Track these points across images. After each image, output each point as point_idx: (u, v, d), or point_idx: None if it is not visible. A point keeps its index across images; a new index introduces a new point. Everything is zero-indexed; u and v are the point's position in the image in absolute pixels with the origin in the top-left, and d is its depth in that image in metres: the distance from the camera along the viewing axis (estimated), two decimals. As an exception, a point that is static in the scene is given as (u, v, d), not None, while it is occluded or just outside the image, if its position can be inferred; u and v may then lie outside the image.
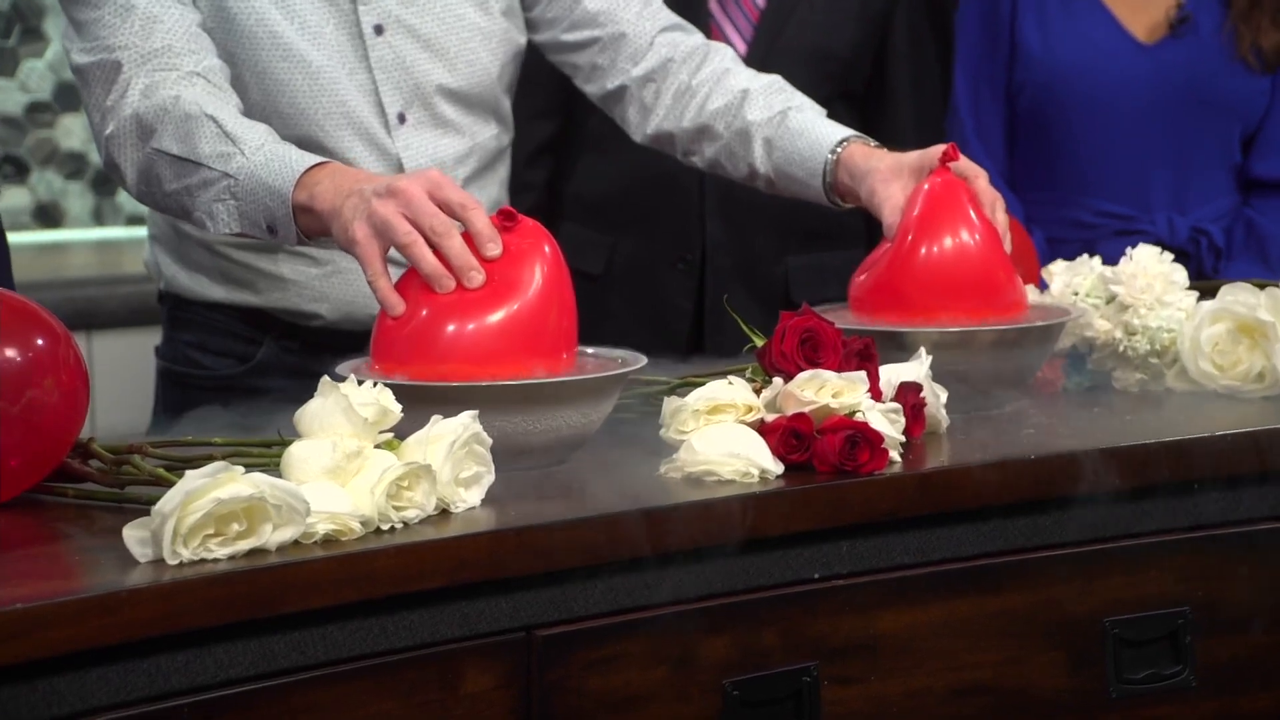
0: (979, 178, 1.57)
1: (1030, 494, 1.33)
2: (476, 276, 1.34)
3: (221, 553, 1.09)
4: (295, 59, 1.68)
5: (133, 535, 1.10)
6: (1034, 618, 1.35)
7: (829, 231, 2.27)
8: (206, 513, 1.08)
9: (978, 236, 1.52)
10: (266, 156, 1.51)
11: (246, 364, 1.81)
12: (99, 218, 3.15)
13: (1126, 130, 2.25)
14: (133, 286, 2.61)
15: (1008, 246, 1.57)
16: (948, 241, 1.53)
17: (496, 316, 1.33)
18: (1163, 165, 2.28)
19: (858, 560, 1.28)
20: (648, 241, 2.26)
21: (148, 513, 1.10)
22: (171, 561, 1.08)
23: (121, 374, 2.53)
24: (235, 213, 1.53)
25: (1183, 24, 2.25)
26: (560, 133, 2.31)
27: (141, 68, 1.57)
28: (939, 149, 1.59)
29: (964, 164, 1.58)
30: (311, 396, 1.21)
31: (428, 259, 1.35)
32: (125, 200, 3.17)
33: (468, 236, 1.37)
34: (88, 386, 1.25)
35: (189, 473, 1.10)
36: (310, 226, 1.49)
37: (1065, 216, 2.29)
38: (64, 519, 1.23)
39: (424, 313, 1.34)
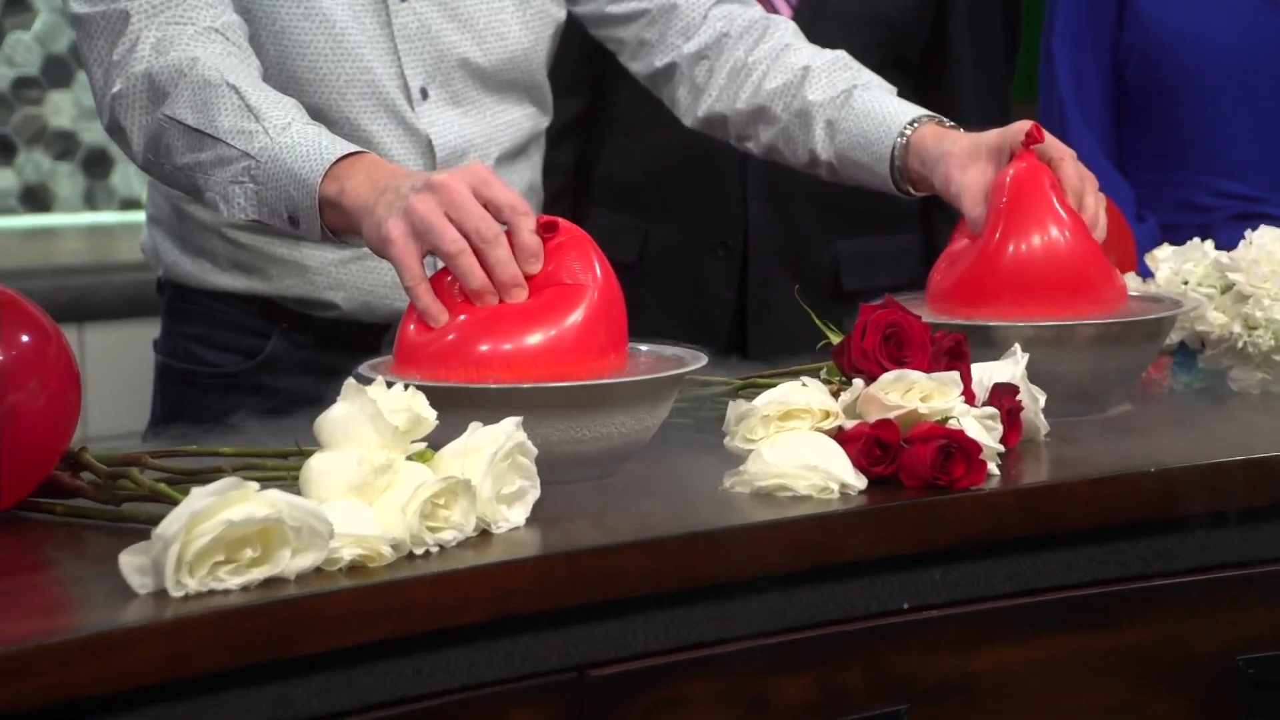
0: (1064, 160, 1.48)
1: (1151, 513, 1.25)
2: (520, 293, 1.27)
3: (233, 583, 1.00)
4: (318, 17, 1.59)
5: (131, 563, 1.00)
6: (1155, 656, 1.27)
7: (882, 213, 2.20)
8: (215, 537, 0.99)
9: (1067, 233, 1.44)
10: (294, 139, 1.42)
11: (254, 359, 1.72)
12: (91, 201, 3.10)
13: (1253, 100, 2.14)
14: (128, 274, 2.54)
15: (1101, 234, 1.47)
16: (1035, 239, 1.44)
17: (540, 314, 1.26)
18: None
19: (952, 589, 1.21)
20: (684, 226, 2.20)
21: (147, 534, 1.00)
22: (175, 594, 0.99)
23: (116, 370, 2.48)
24: (254, 198, 1.44)
25: None
26: (588, 110, 2.26)
27: (153, 19, 1.48)
28: (1021, 127, 1.50)
29: (1049, 144, 1.49)
30: (325, 395, 1.13)
31: (476, 274, 1.27)
32: (119, 182, 3.12)
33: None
34: (79, 389, 1.15)
35: (195, 490, 1.00)
36: (337, 223, 1.40)
37: (1179, 199, 2.18)
38: (51, 541, 1.14)
39: (459, 311, 1.27)
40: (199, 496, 0.99)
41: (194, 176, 1.47)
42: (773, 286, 2.18)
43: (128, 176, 3.10)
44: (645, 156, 2.21)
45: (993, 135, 1.52)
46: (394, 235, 1.29)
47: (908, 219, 2.25)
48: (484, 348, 1.24)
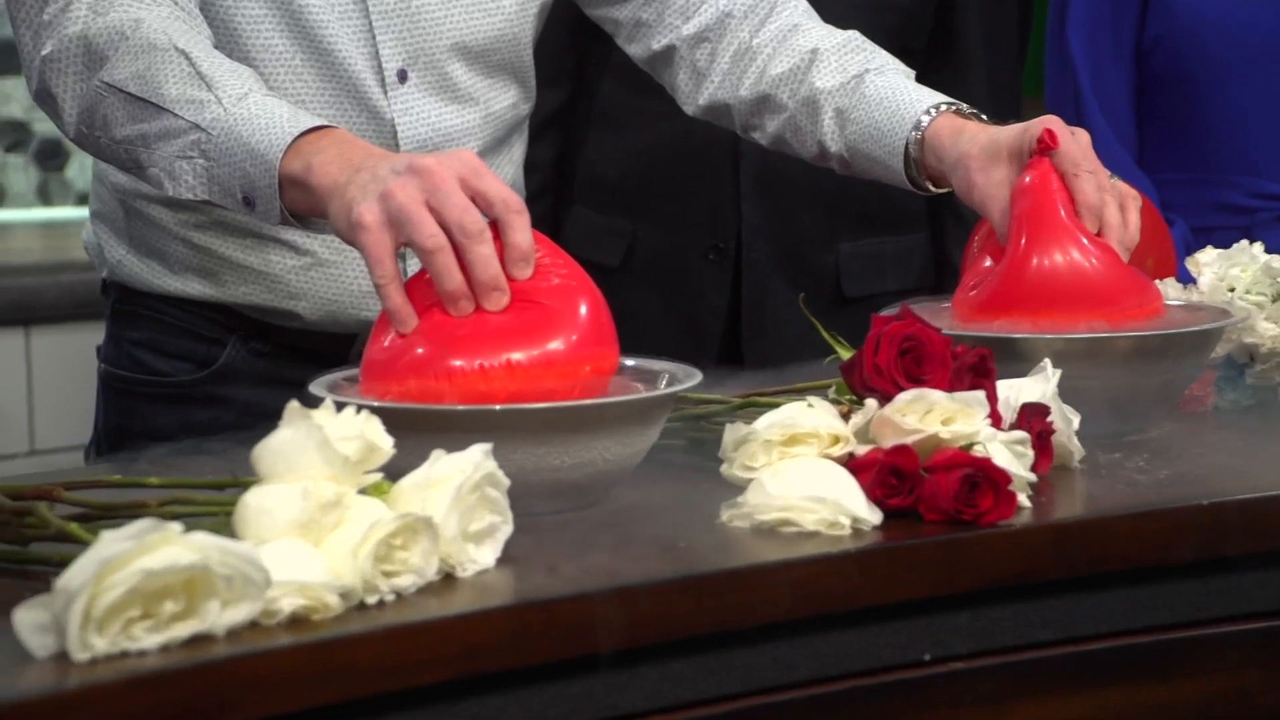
0: (1079, 176, 1.38)
1: (1205, 551, 1.16)
2: (500, 299, 1.17)
3: (150, 642, 0.88)
4: None
5: (28, 620, 0.88)
6: (1210, 711, 1.19)
7: (886, 213, 2.14)
8: (130, 589, 0.87)
9: (1088, 242, 1.37)
10: (251, 110, 1.30)
11: (207, 368, 1.61)
12: (44, 196, 3.04)
13: None
14: (77, 274, 2.48)
15: (1131, 242, 1.38)
16: (1057, 249, 1.37)
17: (521, 323, 1.17)
18: None
19: (981, 637, 1.12)
20: (673, 228, 2.13)
21: (56, 580, 0.88)
22: (80, 657, 0.87)
23: (64, 377, 2.42)
24: (204, 175, 1.33)
25: None
26: (569, 103, 2.18)
27: None
28: (1037, 128, 1.41)
29: (1063, 153, 1.39)
30: (284, 407, 1.01)
31: (453, 275, 1.16)
32: (75, 175, 3.04)
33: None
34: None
35: (105, 534, 0.87)
36: (299, 204, 1.28)
37: (1211, 200, 2.08)
38: None
39: (434, 317, 1.17)
40: (110, 541, 0.87)
41: (135, 151, 1.37)
42: (769, 293, 2.12)
43: (84, 169, 3.04)
44: (631, 153, 2.14)
45: (1011, 134, 1.43)
46: (367, 220, 1.17)
47: (913, 219, 2.18)
48: (457, 361, 1.15)
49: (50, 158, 3.01)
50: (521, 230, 1.18)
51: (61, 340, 2.45)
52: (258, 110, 1.30)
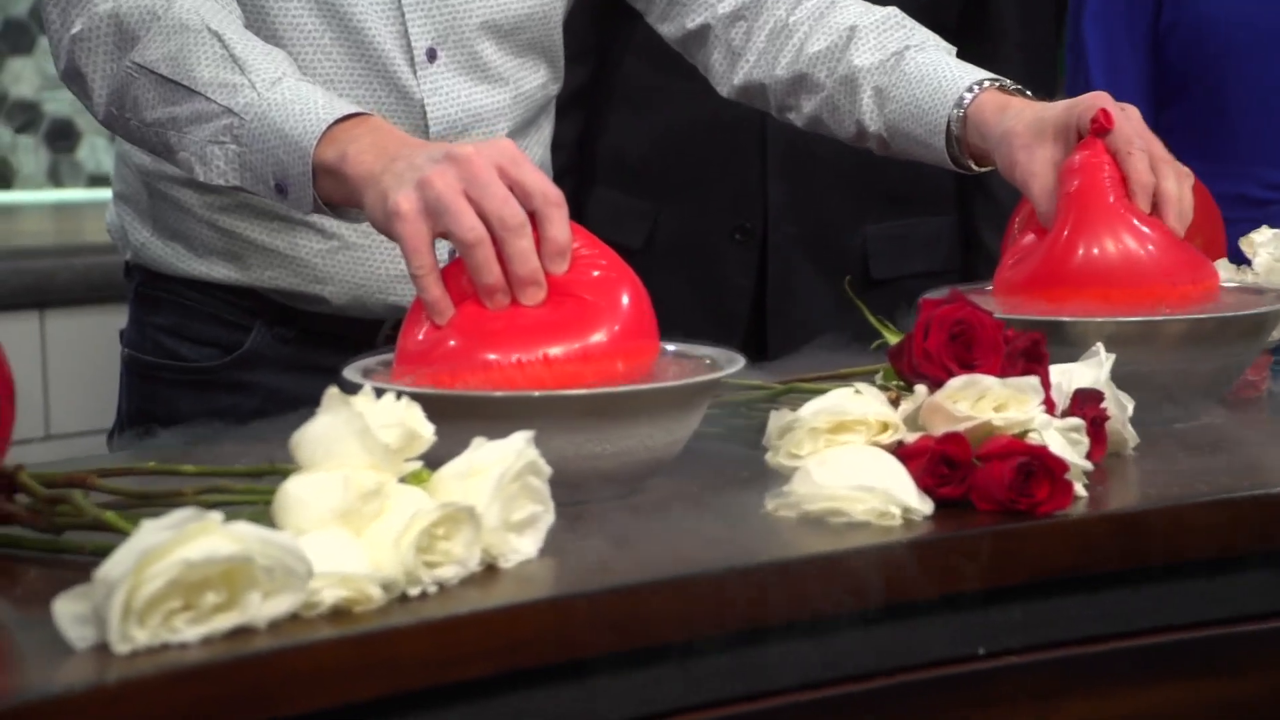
0: (1132, 154, 1.37)
1: (1267, 543, 1.14)
2: (538, 294, 1.15)
3: (191, 634, 0.86)
4: None
5: (68, 611, 0.86)
6: (1271, 708, 1.16)
7: (915, 195, 2.13)
8: (170, 580, 0.85)
9: (1126, 234, 1.35)
10: (285, 95, 1.29)
11: (232, 354, 1.59)
12: (55, 178, 3.01)
13: None
14: (94, 257, 2.45)
15: (1184, 221, 1.36)
16: (1106, 230, 1.35)
17: (561, 313, 1.15)
18: None
19: (1035, 630, 1.09)
20: (698, 209, 2.12)
21: (91, 569, 0.86)
22: (121, 649, 0.85)
23: (81, 361, 2.39)
24: (235, 161, 1.31)
25: None
26: (592, 81, 2.17)
27: None
28: (1088, 106, 1.39)
29: (1117, 131, 1.37)
30: (311, 396, 1.00)
31: (492, 269, 1.15)
32: (86, 157, 3.03)
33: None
34: (12, 399, 1.01)
35: (145, 523, 0.85)
36: (333, 193, 1.27)
37: (1226, 191, 2.05)
38: None
39: (470, 307, 1.16)
40: (150, 531, 0.85)
41: (165, 134, 1.35)
42: (795, 275, 2.11)
43: (95, 151, 3.02)
44: (655, 132, 2.13)
45: (1059, 110, 1.41)
46: (404, 209, 1.16)
47: (942, 200, 2.16)
48: (492, 355, 1.13)
49: (61, 139, 2.99)
50: (560, 224, 1.16)
51: (77, 323, 2.43)
52: (292, 95, 1.28)
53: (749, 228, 2.09)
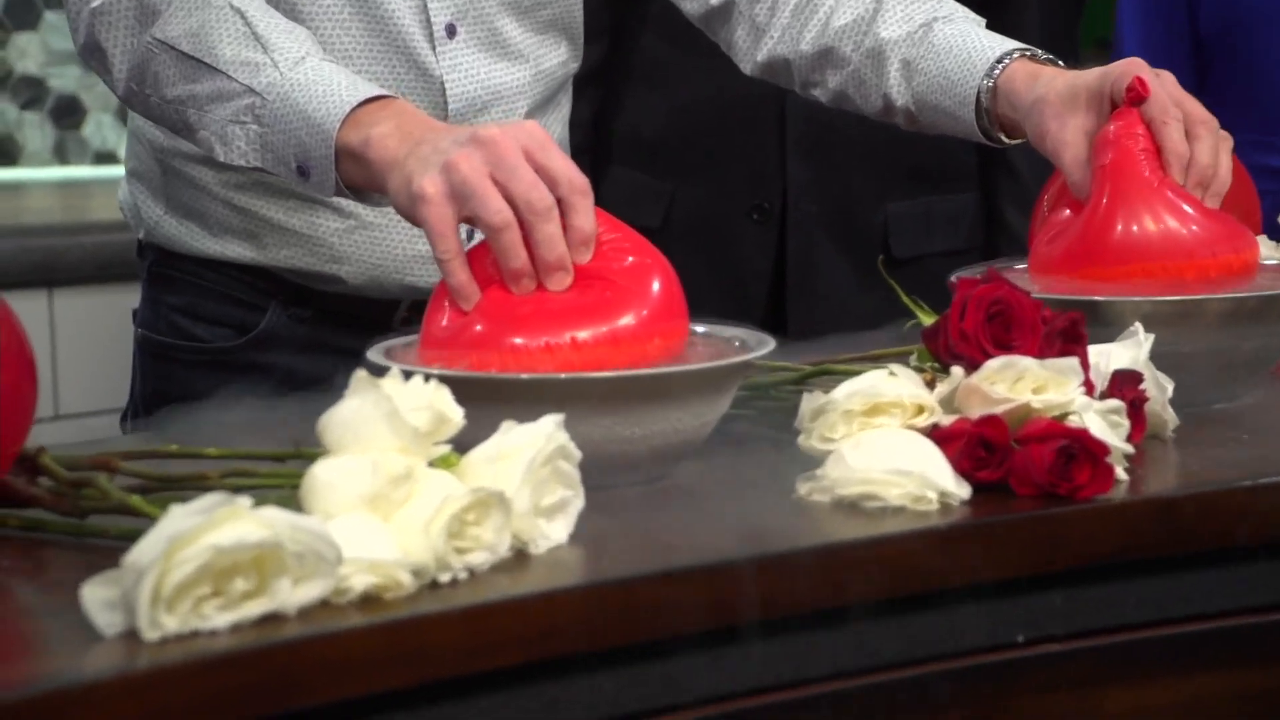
0: (1168, 124, 1.35)
1: None
2: (564, 279, 1.14)
3: (221, 621, 0.85)
4: None
5: (97, 597, 0.85)
6: None
7: (937, 171, 2.12)
8: (200, 566, 0.84)
9: (1162, 209, 1.33)
10: (308, 75, 1.28)
11: (247, 334, 1.58)
12: (61, 154, 2.99)
13: None
14: (102, 235, 2.44)
15: (1221, 189, 1.35)
16: (1143, 205, 1.33)
17: (588, 297, 1.14)
18: None
19: (1077, 618, 1.08)
20: (715, 188, 2.10)
21: (115, 553, 0.86)
22: (151, 636, 0.84)
23: (89, 340, 2.39)
24: (257, 142, 1.30)
25: None
26: (607, 58, 2.15)
27: None
28: (1122, 73, 1.37)
29: (1155, 103, 1.35)
30: (327, 377, 1.01)
31: (519, 254, 1.13)
32: (92, 134, 3.01)
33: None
34: (34, 381, 1.00)
35: (174, 508, 0.84)
36: (355, 177, 1.26)
37: (1255, 163, 2.03)
38: (2, 562, 0.99)
39: (494, 290, 1.15)
40: (179, 516, 0.84)
41: (185, 112, 1.34)
42: (815, 254, 2.09)
43: (101, 127, 3.00)
44: (671, 109, 2.11)
45: (1092, 77, 1.39)
46: (429, 192, 1.14)
47: (964, 176, 2.15)
48: (518, 339, 1.12)
49: (66, 115, 2.97)
50: (585, 213, 1.15)
51: (86, 302, 2.42)
52: (315, 76, 1.27)
53: (767, 207, 2.08)
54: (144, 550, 0.83)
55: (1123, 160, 1.34)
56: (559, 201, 1.14)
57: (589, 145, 2.15)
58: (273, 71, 1.28)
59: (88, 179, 2.97)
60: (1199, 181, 1.34)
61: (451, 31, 1.49)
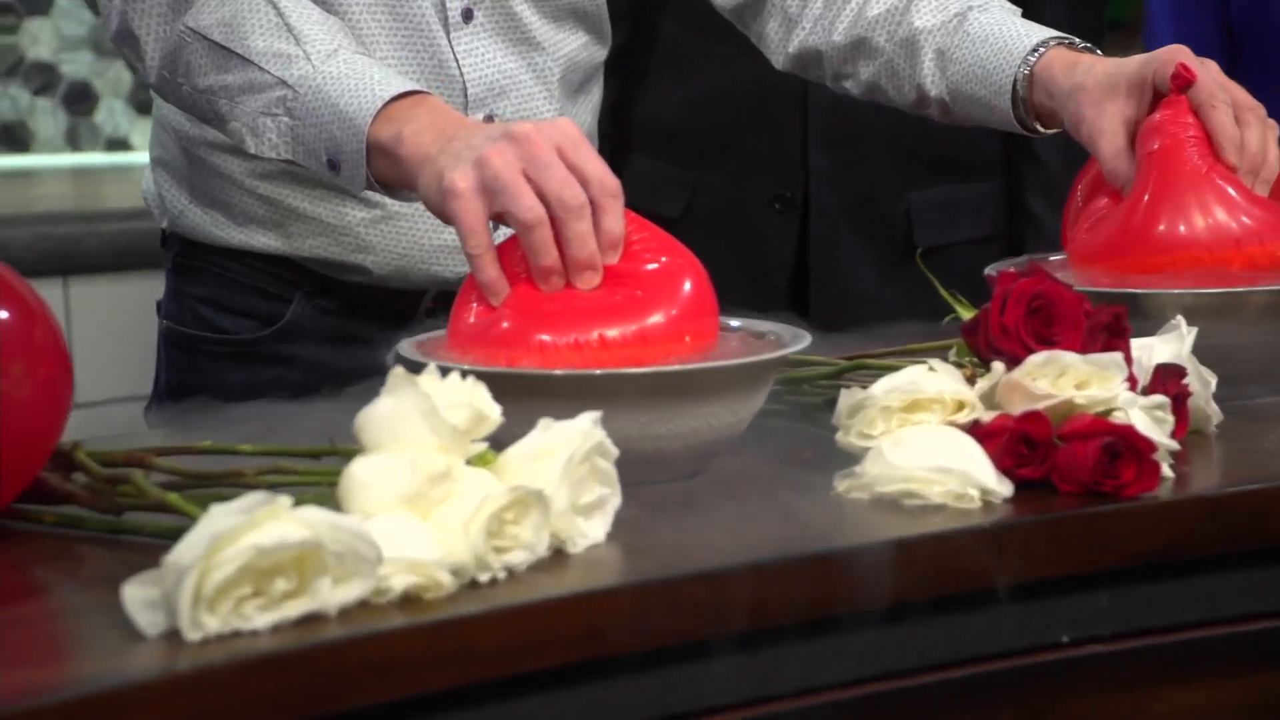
0: (1216, 108, 1.34)
1: None
2: (593, 278, 1.14)
3: (262, 621, 0.85)
4: None
5: (137, 596, 0.85)
6: None
7: (960, 160, 2.12)
8: (241, 566, 0.84)
9: (1210, 197, 1.31)
10: (340, 69, 1.27)
11: (272, 326, 1.58)
12: (73, 141, 2.99)
13: None
14: (117, 223, 2.42)
15: (1270, 175, 1.34)
16: (1190, 196, 1.31)
17: (620, 293, 1.14)
18: None
19: (1123, 618, 1.07)
20: (737, 177, 2.10)
21: (152, 550, 0.86)
22: (193, 636, 0.84)
23: (106, 329, 2.37)
24: (288, 134, 1.30)
25: None
26: (628, 45, 2.13)
27: None
28: (1165, 60, 1.35)
29: (1202, 88, 1.34)
30: (352, 368, 1.03)
31: (550, 252, 1.13)
32: (104, 120, 3.00)
33: None
34: (70, 375, 1.00)
35: (215, 508, 0.84)
36: (386, 173, 1.25)
37: None
38: (39, 559, 0.99)
39: (523, 286, 1.14)
40: (220, 515, 0.83)
41: (217, 102, 1.34)
42: (838, 244, 2.09)
43: (113, 114, 2.99)
44: (693, 98, 2.11)
45: (1134, 65, 1.37)
46: (460, 187, 1.14)
47: (988, 165, 2.15)
48: (546, 336, 1.11)
49: (79, 101, 2.97)
50: (615, 216, 1.14)
51: (102, 291, 2.41)
52: (347, 70, 1.27)
53: (788, 196, 2.08)
54: (185, 550, 0.83)
55: (1171, 147, 1.33)
56: (590, 202, 1.14)
57: (609, 133, 2.15)
58: (305, 64, 1.28)
59: (100, 165, 2.96)
60: (1250, 168, 1.32)
61: (468, 16, 1.49)
